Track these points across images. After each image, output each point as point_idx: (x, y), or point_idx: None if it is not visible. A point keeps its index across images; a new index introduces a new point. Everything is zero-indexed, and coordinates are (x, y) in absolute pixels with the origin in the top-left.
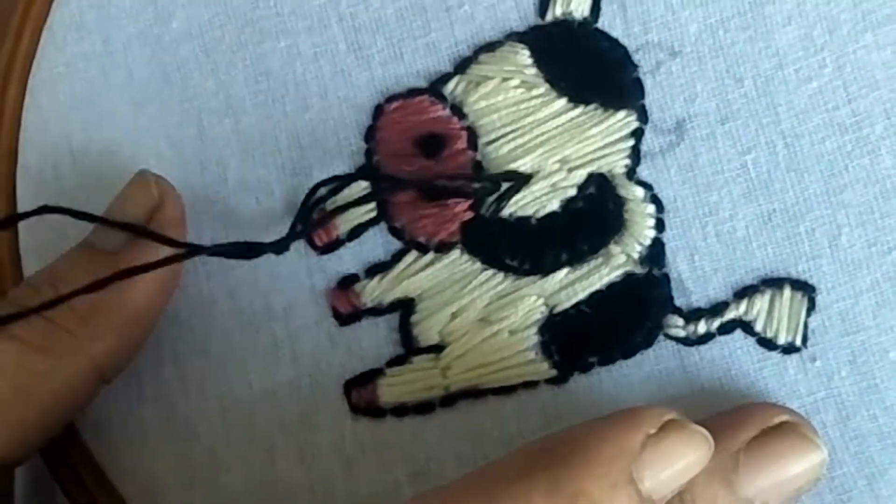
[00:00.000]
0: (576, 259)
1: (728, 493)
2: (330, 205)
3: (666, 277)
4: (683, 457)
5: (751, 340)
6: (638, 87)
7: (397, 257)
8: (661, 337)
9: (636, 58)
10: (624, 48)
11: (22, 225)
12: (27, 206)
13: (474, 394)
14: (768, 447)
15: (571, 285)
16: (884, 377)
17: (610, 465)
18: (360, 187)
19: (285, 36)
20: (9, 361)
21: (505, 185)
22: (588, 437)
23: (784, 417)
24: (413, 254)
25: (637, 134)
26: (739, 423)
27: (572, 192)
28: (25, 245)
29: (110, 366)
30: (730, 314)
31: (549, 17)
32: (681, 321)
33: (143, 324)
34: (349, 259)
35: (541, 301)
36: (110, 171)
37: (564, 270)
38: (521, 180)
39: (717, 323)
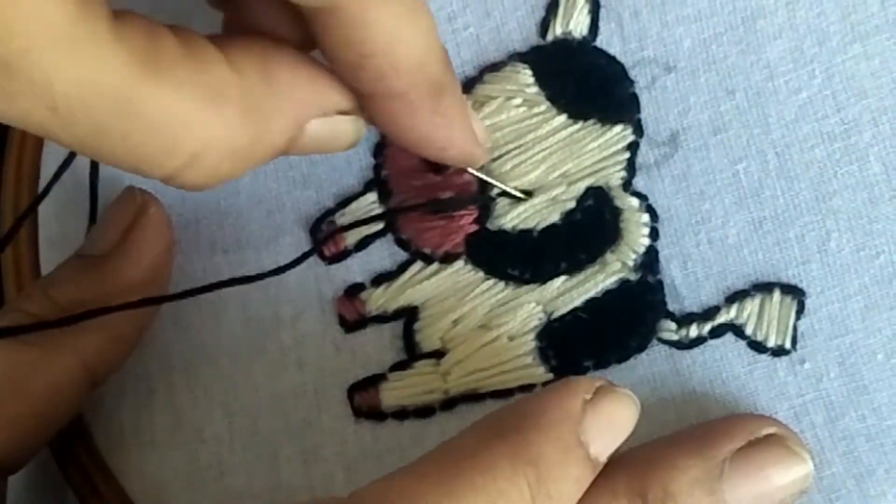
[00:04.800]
0: (574, 268)
1: (712, 502)
2: (339, 217)
3: (660, 283)
4: (619, 417)
5: (741, 343)
6: (634, 102)
7: (403, 267)
8: (654, 341)
9: (633, 74)
10: (621, 65)
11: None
12: (49, 215)
13: (473, 398)
14: (753, 458)
15: (569, 292)
16: (872, 379)
17: (560, 429)
18: (369, 201)
19: None
20: None
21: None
22: (535, 408)
23: (772, 430)
24: (418, 264)
25: (633, 147)
26: (727, 432)
27: (571, 204)
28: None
29: (98, 363)
30: (721, 318)
31: (549, 38)
32: (674, 325)
33: (131, 322)
34: (356, 269)
35: (539, 308)
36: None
37: (562, 278)
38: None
39: (708, 327)
